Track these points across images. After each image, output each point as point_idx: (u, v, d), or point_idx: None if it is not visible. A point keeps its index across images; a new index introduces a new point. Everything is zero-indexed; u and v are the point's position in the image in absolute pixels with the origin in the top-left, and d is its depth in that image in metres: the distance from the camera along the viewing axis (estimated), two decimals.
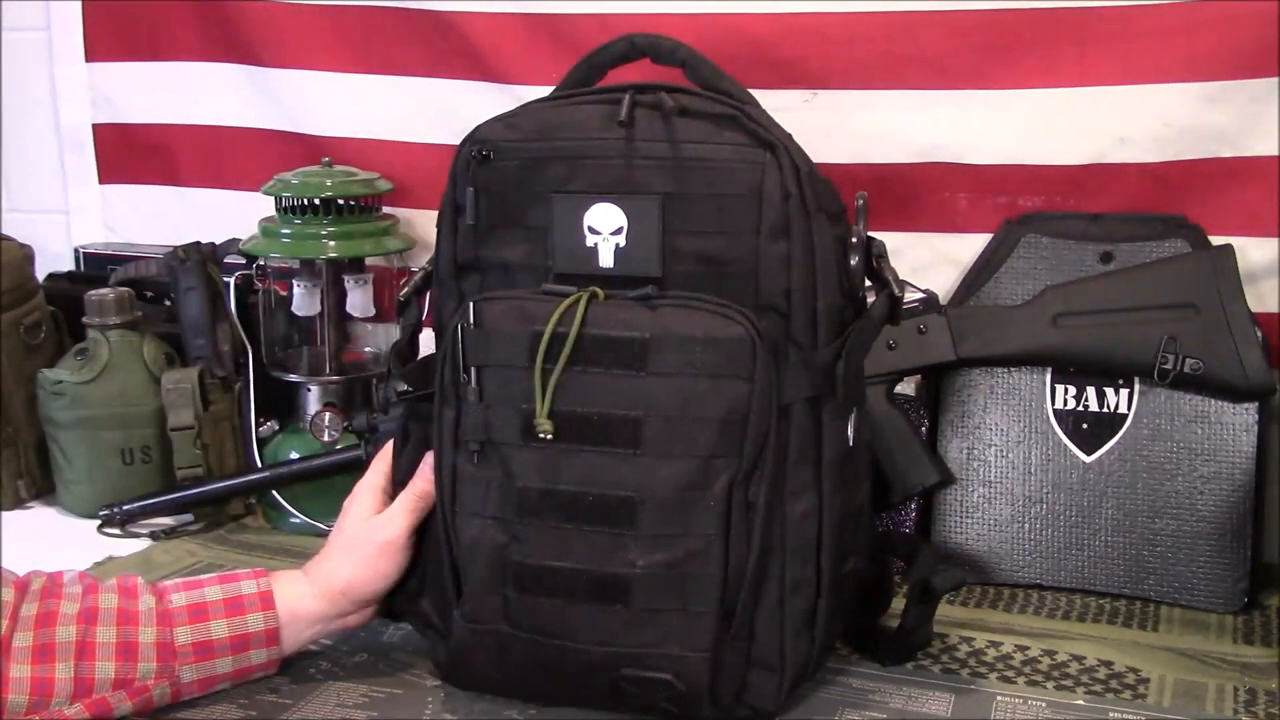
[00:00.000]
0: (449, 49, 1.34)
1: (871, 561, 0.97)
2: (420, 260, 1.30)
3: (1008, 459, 1.13)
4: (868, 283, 0.92)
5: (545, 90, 0.97)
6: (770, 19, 1.21)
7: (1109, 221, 1.15)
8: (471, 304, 0.88)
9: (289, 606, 0.91)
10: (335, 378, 1.32)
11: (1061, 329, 1.11)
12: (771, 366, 0.84)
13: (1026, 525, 1.12)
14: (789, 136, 0.87)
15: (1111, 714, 0.89)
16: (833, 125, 1.21)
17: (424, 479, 0.92)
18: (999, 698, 0.92)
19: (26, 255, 1.35)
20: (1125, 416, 1.11)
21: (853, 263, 0.89)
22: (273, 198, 1.29)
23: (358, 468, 1.03)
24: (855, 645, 0.98)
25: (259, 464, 1.30)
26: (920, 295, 1.13)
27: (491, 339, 0.87)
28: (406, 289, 0.97)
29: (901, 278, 0.92)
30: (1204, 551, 1.08)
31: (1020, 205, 1.20)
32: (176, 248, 1.35)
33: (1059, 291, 1.12)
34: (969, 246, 1.21)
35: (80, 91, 1.54)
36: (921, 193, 1.22)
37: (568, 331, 0.84)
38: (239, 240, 1.34)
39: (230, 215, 1.46)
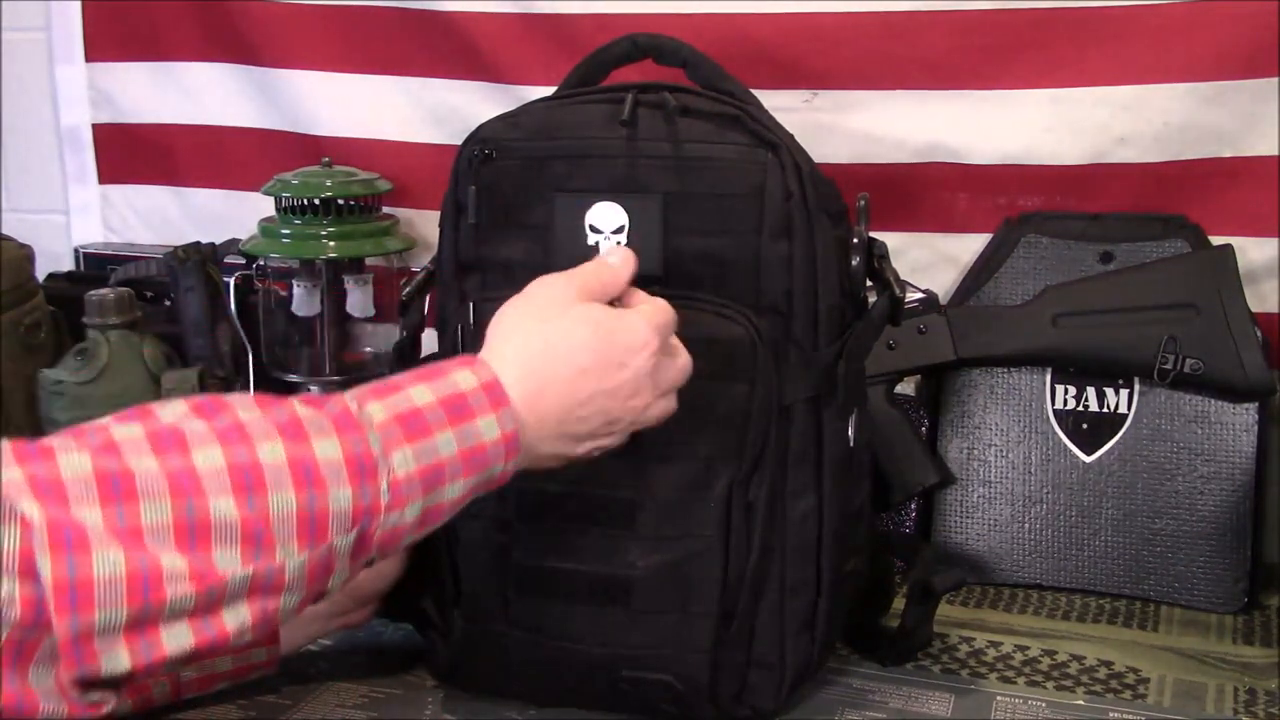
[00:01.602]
0: (449, 49, 1.34)
1: (872, 562, 0.97)
2: (421, 260, 1.31)
3: (1008, 459, 1.13)
4: (868, 283, 0.92)
5: (546, 90, 0.97)
6: (770, 19, 1.21)
7: (1109, 221, 1.15)
8: (472, 304, 0.88)
9: None
10: (335, 378, 1.32)
11: (1061, 329, 1.11)
12: (772, 367, 0.84)
13: (1026, 525, 1.12)
14: (791, 136, 0.88)
15: (1111, 714, 0.90)
16: (833, 125, 1.21)
17: None
18: (999, 698, 0.92)
19: (26, 255, 1.35)
20: (1125, 416, 1.11)
21: (854, 263, 0.89)
22: (273, 198, 1.29)
23: None
24: (855, 645, 0.98)
25: None
26: (920, 295, 1.13)
27: None
28: (409, 289, 0.97)
29: (902, 278, 0.92)
30: (1204, 551, 1.08)
31: (1020, 205, 1.20)
32: (176, 248, 1.35)
33: (1059, 291, 1.12)
34: (969, 246, 1.21)
35: (80, 91, 1.54)
36: (921, 193, 1.22)
37: None
38: (239, 240, 1.34)
39: (230, 215, 1.46)
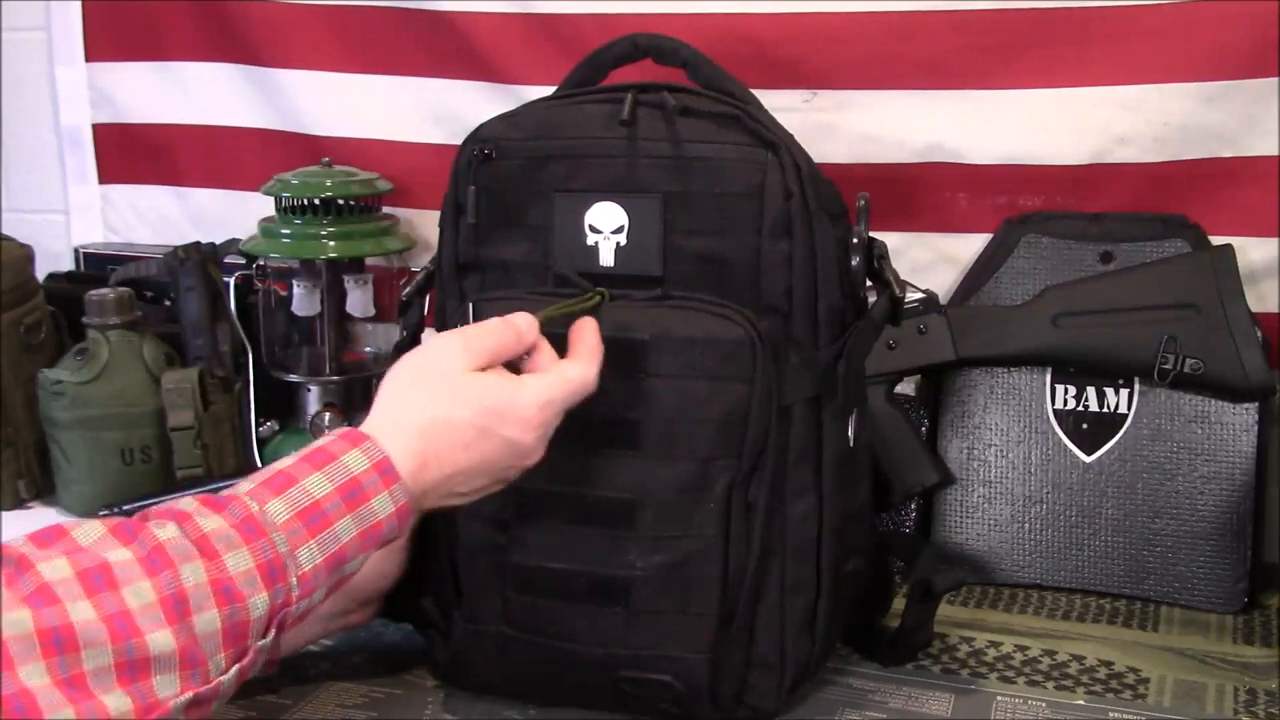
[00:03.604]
0: (449, 49, 1.34)
1: (871, 562, 0.97)
2: (420, 260, 1.31)
3: (1008, 459, 1.13)
4: (868, 283, 0.92)
5: (546, 90, 0.97)
6: (770, 19, 1.21)
7: (1109, 221, 1.15)
8: (471, 304, 0.88)
9: None
10: (335, 378, 1.32)
11: (1061, 329, 1.11)
12: (771, 368, 0.84)
13: (1026, 525, 1.12)
14: (790, 136, 0.88)
15: (1111, 714, 0.90)
16: (833, 125, 1.21)
17: None
18: (999, 698, 0.92)
19: (26, 255, 1.35)
20: (1125, 416, 1.11)
21: (854, 263, 0.89)
22: (273, 198, 1.29)
23: None
24: (855, 645, 0.98)
25: (259, 464, 1.30)
26: (920, 295, 1.13)
27: None
28: (409, 289, 0.97)
29: (902, 278, 0.92)
30: (1204, 551, 1.08)
31: (1020, 205, 1.20)
32: (176, 248, 1.35)
33: (1059, 291, 1.12)
34: (969, 246, 1.21)
35: (80, 91, 1.54)
36: (921, 193, 1.22)
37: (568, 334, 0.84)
38: (239, 240, 1.34)
39: (230, 215, 1.46)
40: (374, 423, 0.77)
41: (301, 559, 0.70)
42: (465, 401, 0.77)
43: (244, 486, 0.72)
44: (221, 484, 1.23)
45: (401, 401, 0.78)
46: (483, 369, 0.79)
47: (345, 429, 0.76)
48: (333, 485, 0.72)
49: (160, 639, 0.63)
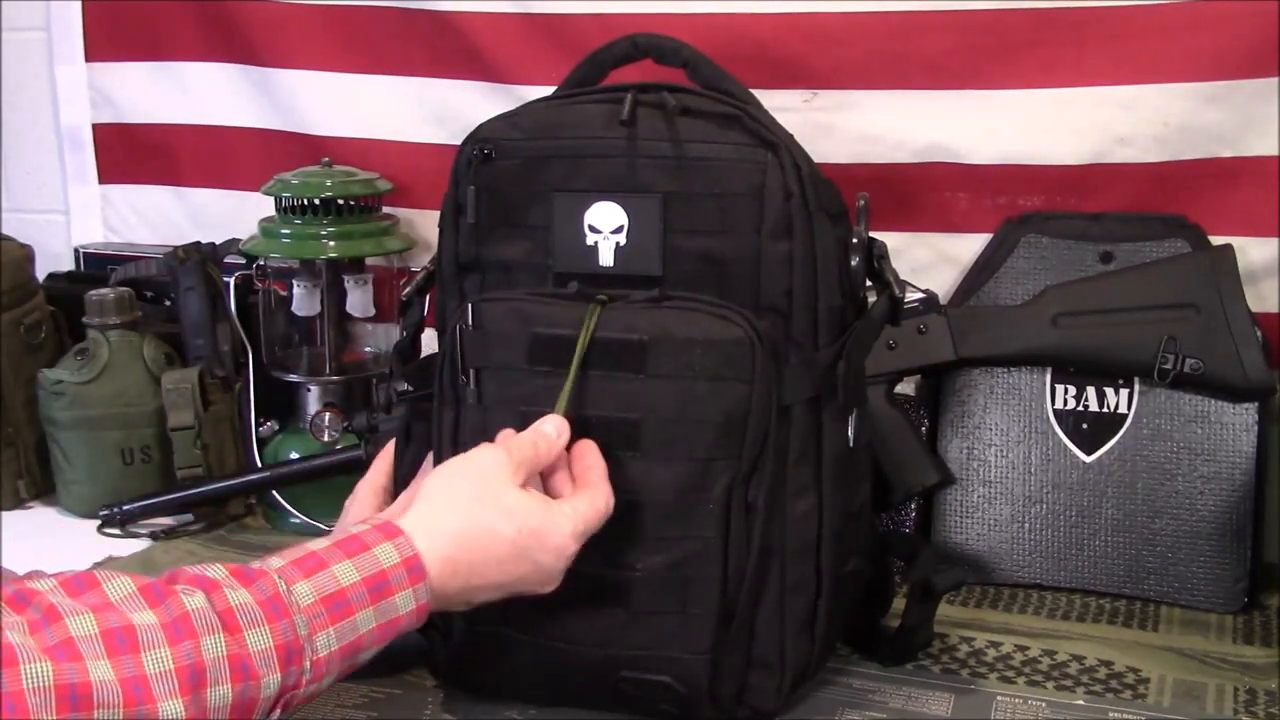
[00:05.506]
0: (449, 49, 1.34)
1: (872, 561, 0.97)
2: (421, 260, 1.31)
3: (1008, 459, 1.13)
4: (868, 283, 0.92)
5: (545, 90, 0.97)
6: (770, 19, 1.21)
7: (1109, 221, 1.15)
8: (470, 305, 0.88)
9: None
10: (335, 378, 1.32)
11: (1061, 329, 1.11)
12: (771, 368, 0.84)
13: (1026, 525, 1.12)
14: (790, 137, 0.88)
15: (1111, 714, 0.90)
16: (833, 125, 1.21)
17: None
18: (999, 698, 0.92)
19: (26, 255, 1.35)
20: (1125, 416, 1.11)
21: (854, 263, 0.89)
22: (273, 198, 1.29)
23: (358, 468, 1.03)
24: (855, 645, 0.98)
25: (259, 464, 1.30)
26: (920, 295, 1.13)
27: (491, 340, 0.87)
28: (409, 289, 0.97)
29: (902, 278, 0.92)
30: (1204, 551, 1.08)
31: (1020, 205, 1.20)
32: (176, 248, 1.35)
33: (1059, 291, 1.12)
34: (969, 246, 1.21)
35: (80, 91, 1.54)
36: (921, 193, 1.22)
37: (570, 335, 0.84)
38: (239, 240, 1.34)
39: (230, 215, 1.46)
40: (412, 519, 0.78)
41: (319, 644, 0.71)
42: (510, 517, 0.79)
43: (275, 562, 0.73)
44: (222, 485, 1.25)
45: (442, 503, 0.79)
46: (524, 483, 0.80)
47: (383, 520, 0.77)
48: (360, 576, 0.73)
49: (171, 708, 0.64)
